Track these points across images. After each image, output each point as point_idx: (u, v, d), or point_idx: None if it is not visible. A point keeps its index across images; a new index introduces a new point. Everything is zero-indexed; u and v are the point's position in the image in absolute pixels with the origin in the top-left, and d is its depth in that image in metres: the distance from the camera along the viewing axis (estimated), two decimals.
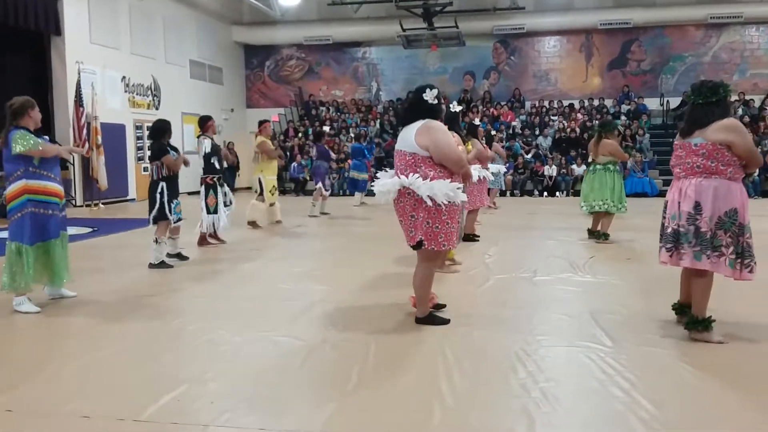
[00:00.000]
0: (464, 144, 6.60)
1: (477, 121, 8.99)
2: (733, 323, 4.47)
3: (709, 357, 3.87)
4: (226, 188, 8.59)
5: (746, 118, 18.33)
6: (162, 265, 6.97)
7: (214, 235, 8.64)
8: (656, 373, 3.59)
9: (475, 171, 6.85)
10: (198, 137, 8.56)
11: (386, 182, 4.39)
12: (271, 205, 10.55)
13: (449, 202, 4.25)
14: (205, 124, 8.53)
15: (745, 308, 4.89)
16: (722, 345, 4.07)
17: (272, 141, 11.09)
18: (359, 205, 14.22)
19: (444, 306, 4.89)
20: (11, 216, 5.09)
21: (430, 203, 4.20)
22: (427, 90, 4.43)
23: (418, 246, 4.35)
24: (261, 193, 10.31)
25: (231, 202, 8.59)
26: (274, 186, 10.53)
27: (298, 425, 3.00)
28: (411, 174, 4.24)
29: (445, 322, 4.54)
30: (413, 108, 4.48)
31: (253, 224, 10.27)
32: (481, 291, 5.75)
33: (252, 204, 10.37)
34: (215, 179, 8.34)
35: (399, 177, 4.31)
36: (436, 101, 4.42)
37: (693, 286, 4.24)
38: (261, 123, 10.70)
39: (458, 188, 4.30)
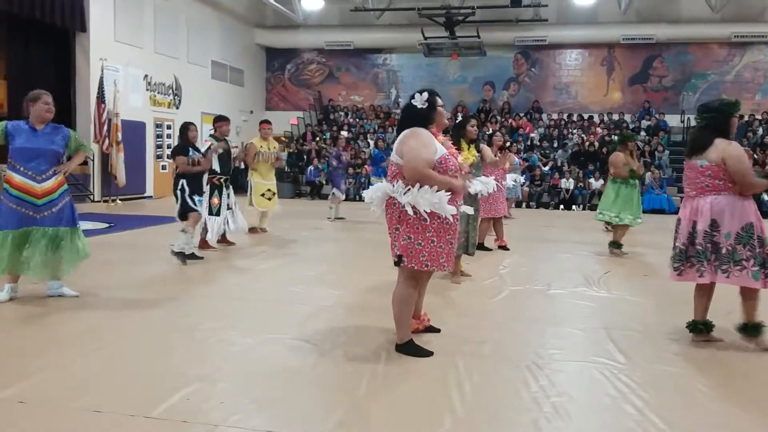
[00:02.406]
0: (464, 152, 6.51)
1: (491, 130, 8.94)
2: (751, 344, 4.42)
3: (724, 376, 3.83)
4: (231, 191, 8.31)
5: (767, 139, 18.15)
6: (184, 256, 7.04)
7: (222, 238, 8.37)
8: (670, 391, 3.55)
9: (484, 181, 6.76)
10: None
11: (373, 189, 4.10)
12: (264, 212, 9.93)
13: (437, 215, 3.84)
14: (215, 123, 8.23)
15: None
16: (738, 364, 4.05)
17: (289, 144, 10.82)
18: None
19: (438, 330, 4.49)
20: None
21: (411, 212, 3.82)
22: (417, 95, 4.03)
23: (398, 262, 3.95)
24: (251, 199, 9.75)
25: (232, 206, 8.27)
26: (268, 190, 9.79)
27: (307, 429, 2.99)
28: (396, 182, 3.93)
29: (428, 354, 4.03)
30: (405, 114, 4.13)
31: (252, 230, 9.71)
32: (494, 302, 5.72)
33: (246, 210, 9.66)
34: (221, 180, 8.09)
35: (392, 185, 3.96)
36: (426, 105, 3.99)
37: (742, 298, 4.38)
38: (261, 122, 10.03)
39: (447, 198, 3.83)
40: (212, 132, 8.29)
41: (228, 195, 8.21)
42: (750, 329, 4.34)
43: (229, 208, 8.22)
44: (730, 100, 4.44)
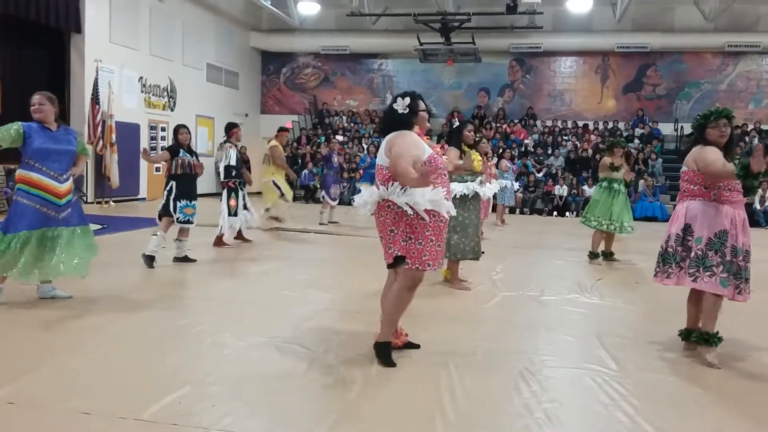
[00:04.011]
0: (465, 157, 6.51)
1: (477, 137, 8.81)
2: (744, 353, 4.43)
3: (717, 385, 3.84)
4: (245, 192, 8.84)
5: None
6: (149, 259, 6.97)
7: (239, 236, 8.95)
8: (662, 399, 3.55)
9: (478, 186, 6.77)
10: (222, 144, 8.85)
11: (365, 194, 4.06)
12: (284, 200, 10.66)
13: (433, 213, 3.84)
14: (229, 130, 8.76)
15: (756, 337, 4.84)
16: (730, 373, 4.04)
17: (284, 148, 11.11)
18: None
19: (418, 346, 4.27)
20: None
21: (410, 212, 3.81)
22: (398, 99, 4.01)
23: (395, 263, 3.93)
24: (282, 194, 10.40)
25: (248, 207, 8.85)
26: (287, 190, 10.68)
27: None
28: (390, 185, 3.90)
29: (392, 365, 3.93)
30: (386, 118, 4.11)
31: (276, 219, 10.57)
32: (487, 308, 5.72)
33: (276, 203, 10.48)
34: (237, 183, 8.63)
35: (378, 189, 3.97)
36: (406, 110, 3.97)
37: (704, 303, 4.33)
38: (280, 129, 10.78)
39: (443, 196, 3.88)
40: (225, 138, 8.81)
41: (243, 196, 8.76)
42: (705, 339, 4.27)
43: (245, 208, 8.79)
44: (709, 111, 4.36)
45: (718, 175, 4.12)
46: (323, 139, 21.08)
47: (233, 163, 8.56)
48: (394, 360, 3.98)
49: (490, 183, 8.59)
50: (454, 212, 4.03)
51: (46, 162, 5.06)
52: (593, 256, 8.49)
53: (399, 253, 3.87)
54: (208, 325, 4.70)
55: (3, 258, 4.93)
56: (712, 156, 4.16)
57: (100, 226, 10.37)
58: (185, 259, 7.34)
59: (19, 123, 5.04)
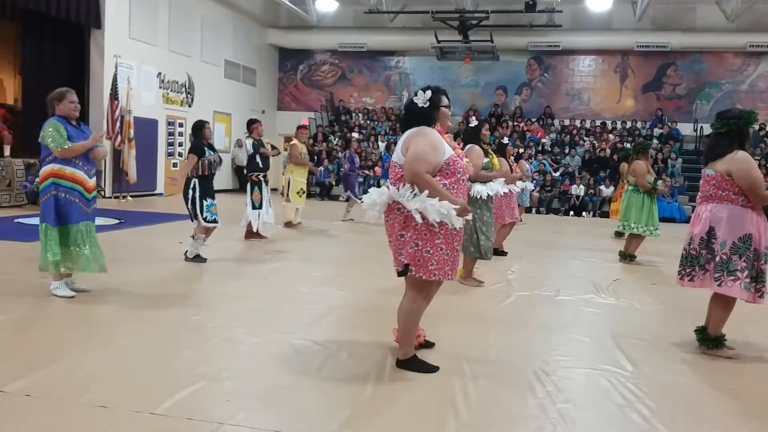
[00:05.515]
0: (489, 157, 6.53)
1: (506, 140, 8.92)
2: (761, 356, 4.39)
3: (734, 388, 3.79)
4: (268, 188, 8.98)
5: None
6: (197, 258, 7.13)
7: (256, 233, 8.98)
8: (678, 401, 3.52)
9: (501, 186, 6.78)
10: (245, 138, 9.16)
11: (374, 194, 3.79)
12: (298, 208, 10.77)
13: (443, 223, 3.59)
14: (249, 126, 9.02)
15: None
16: (748, 376, 4.01)
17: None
18: None
19: (433, 345, 4.23)
20: (40, 198, 5.20)
21: (419, 219, 3.55)
22: (419, 92, 3.78)
23: (404, 272, 3.68)
24: (288, 195, 10.59)
25: (269, 204, 8.96)
26: (302, 189, 10.73)
27: (312, 429, 2.98)
28: (402, 186, 3.66)
29: (434, 369, 3.79)
30: (406, 113, 3.88)
31: (288, 224, 10.66)
32: (502, 307, 5.70)
33: (284, 206, 10.70)
34: (260, 177, 8.82)
35: (389, 189, 3.71)
36: (427, 104, 3.74)
37: (713, 305, 4.40)
38: (298, 127, 11.00)
39: (454, 211, 3.58)
40: (247, 134, 9.05)
41: (267, 191, 8.95)
42: (712, 341, 4.35)
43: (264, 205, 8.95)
44: (748, 110, 4.39)
45: (762, 199, 4.11)
46: (338, 135, 21.11)
47: (250, 150, 8.79)
48: (430, 364, 3.85)
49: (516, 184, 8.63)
50: (460, 224, 3.70)
51: (81, 158, 5.19)
52: (632, 258, 8.47)
53: (406, 261, 3.64)
54: (222, 321, 4.72)
55: (54, 249, 5.05)
56: (754, 174, 4.10)
57: (117, 221, 10.45)
58: (197, 258, 7.28)
59: (55, 121, 5.08)
